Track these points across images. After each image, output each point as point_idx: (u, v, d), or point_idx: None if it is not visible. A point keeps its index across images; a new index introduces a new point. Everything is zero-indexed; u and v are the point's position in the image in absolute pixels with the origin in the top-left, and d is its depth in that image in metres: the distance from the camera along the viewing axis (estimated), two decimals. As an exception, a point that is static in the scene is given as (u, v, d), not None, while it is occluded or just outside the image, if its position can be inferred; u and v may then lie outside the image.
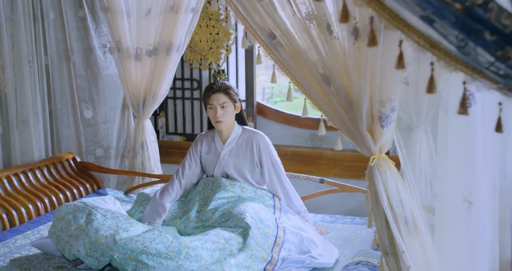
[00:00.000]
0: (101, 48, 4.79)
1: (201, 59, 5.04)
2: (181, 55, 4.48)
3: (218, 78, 3.62)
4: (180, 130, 5.29)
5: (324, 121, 2.81)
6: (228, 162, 3.61)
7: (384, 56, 2.37)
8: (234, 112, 3.58)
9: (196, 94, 5.18)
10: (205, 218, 3.45)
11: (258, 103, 5.17)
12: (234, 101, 3.54)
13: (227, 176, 3.66)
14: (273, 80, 2.87)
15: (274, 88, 9.44)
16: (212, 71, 4.99)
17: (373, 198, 2.60)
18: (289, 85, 2.82)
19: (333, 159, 4.87)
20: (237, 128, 3.62)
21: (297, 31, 2.60)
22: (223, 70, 3.59)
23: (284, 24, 2.61)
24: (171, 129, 5.33)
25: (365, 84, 2.44)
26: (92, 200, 3.51)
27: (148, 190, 3.89)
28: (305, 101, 2.80)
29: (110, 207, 3.53)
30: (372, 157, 2.60)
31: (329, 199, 4.35)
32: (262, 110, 5.17)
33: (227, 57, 5.00)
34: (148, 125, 4.59)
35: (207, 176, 3.79)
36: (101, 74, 4.81)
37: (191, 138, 5.17)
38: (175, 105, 5.26)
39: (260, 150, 3.56)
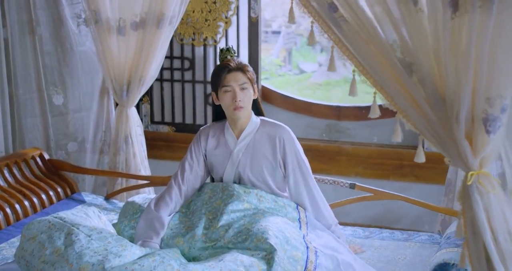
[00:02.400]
0: (74, 18, 4.47)
1: (194, 34, 4.73)
2: (175, 28, 4.09)
3: (229, 56, 3.20)
4: (168, 119, 4.99)
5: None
6: (243, 161, 3.21)
7: (497, 36, 1.86)
8: (253, 97, 3.18)
9: (188, 75, 4.87)
10: (215, 236, 3.02)
11: (263, 87, 4.86)
12: (252, 82, 3.16)
13: (239, 181, 3.26)
14: (331, 67, 2.33)
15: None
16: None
17: (469, 227, 2.11)
18: (353, 74, 2.29)
19: (354, 155, 4.56)
20: (255, 119, 3.23)
21: (368, 1, 2.18)
22: (232, 47, 3.24)
23: (350, -9, 2.18)
24: (157, 117, 5.03)
25: (466, 74, 2.02)
26: (71, 214, 3.06)
27: (139, 198, 3.43)
28: (374, 96, 2.27)
29: (95, 223, 3.09)
30: (469, 173, 2.09)
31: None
32: (268, 96, 4.85)
33: (226, 31, 4.70)
34: (133, 114, 4.24)
35: (212, 180, 3.39)
36: (74, 51, 4.53)
37: (181, 128, 4.94)
38: (162, 88, 4.95)
39: (284, 147, 3.18)
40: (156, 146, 4.88)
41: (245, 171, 3.23)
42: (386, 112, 4.35)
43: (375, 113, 2.39)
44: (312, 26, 2.28)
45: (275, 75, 9.42)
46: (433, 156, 4.09)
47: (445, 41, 2.01)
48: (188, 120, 4.92)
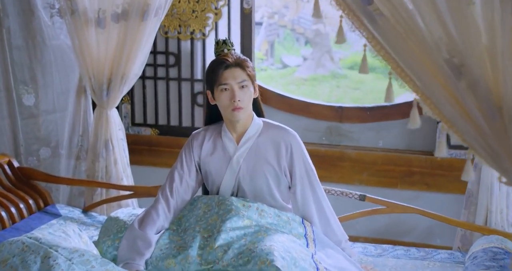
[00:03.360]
0: (47, 9, 4.31)
1: (180, 26, 4.56)
2: (161, 21, 3.92)
3: (225, 50, 3.05)
4: (150, 120, 4.86)
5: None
6: (244, 167, 3.08)
7: None
8: (253, 96, 3.07)
9: (173, 72, 4.72)
10: (212, 258, 2.87)
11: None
12: (252, 79, 3.04)
13: (237, 191, 3.12)
14: (364, 69, 2.09)
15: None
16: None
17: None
18: (390, 78, 2.05)
19: (358, 161, 4.43)
20: (257, 120, 3.11)
21: (409, -8, 1.98)
22: (229, 40, 3.09)
23: (387, -20, 2.03)
24: (139, 119, 4.89)
25: (528, 78, 1.72)
26: (48, 234, 2.92)
27: (123, 214, 3.30)
28: (417, 104, 2.03)
29: (75, 243, 2.94)
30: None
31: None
32: (262, 95, 4.56)
33: (216, 24, 4.53)
34: (114, 117, 4.12)
35: (205, 192, 3.26)
36: (46, 45, 4.39)
37: (165, 131, 4.81)
38: (144, 87, 4.80)
39: (292, 154, 3.07)
40: (137, 151, 4.72)
41: (245, 179, 3.10)
42: (392, 114, 4.38)
43: (416, 123, 2.16)
44: (340, 22, 2.04)
45: (257, 69, 9.39)
46: (445, 162, 4.16)
47: (502, 40, 1.81)
48: (173, 122, 4.77)
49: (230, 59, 2.97)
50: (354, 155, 4.42)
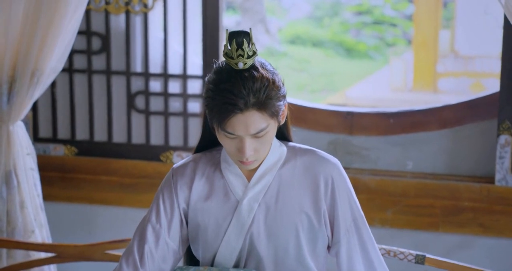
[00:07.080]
0: None
1: None
2: None
3: (241, 64, 2.52)
4: (63, 134, 4.50)
5: None
6: (260, 219, 2.72)
7: None
8: (276, 128, 2.67)
9: (99, 62, 4.39)
10: None
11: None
12: (278, 114, 2.62)
13: (246, 259, 2.75)
14: None
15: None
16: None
17: None
18: None
19: (379, 191, 4.07)
20: (278, 145, 2.76)
21: None
22: (246, 42, 2.47)
23: None
24: (45, 132, 4.52)
25: None
26: None
27: None
28: None
29: None
30: None
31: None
32: None
33: None
34: (20, 135, 3.83)
35: (190, 262, 2.89)
36: None
37: (86, 150, 4.45)
38: (53, 84, 4.38)
39: (333, 192, 2.72)
40: (45, 179, 4.21)
41: (261, 236, 2.69)
42: (427, 122, 3.97)
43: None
44: None
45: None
46: (509, 193, 3.72)
47: None
48: (99, 136, 4.40)
49: (241, 103, 2.48)
50: (372, 182, 4.06)
